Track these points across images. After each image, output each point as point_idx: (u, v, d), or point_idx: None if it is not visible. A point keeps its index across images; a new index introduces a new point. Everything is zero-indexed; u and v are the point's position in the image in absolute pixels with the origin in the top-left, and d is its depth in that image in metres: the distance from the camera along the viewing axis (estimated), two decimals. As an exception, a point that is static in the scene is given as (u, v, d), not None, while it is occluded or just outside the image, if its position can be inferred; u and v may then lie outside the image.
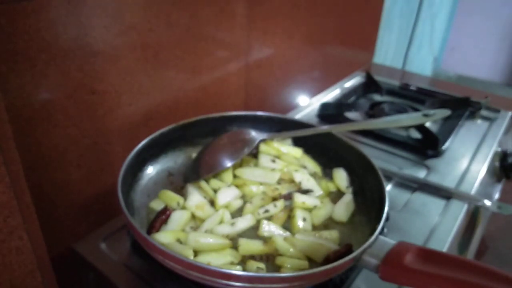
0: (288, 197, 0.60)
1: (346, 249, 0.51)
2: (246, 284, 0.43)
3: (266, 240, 0.54)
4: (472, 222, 0.75)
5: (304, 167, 0.67)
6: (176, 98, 0.69)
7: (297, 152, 0.67)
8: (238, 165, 0.65)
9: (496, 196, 0.96)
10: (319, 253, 0.52)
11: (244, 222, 0.56)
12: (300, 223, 0.56)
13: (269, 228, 0.55)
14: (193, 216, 0.57)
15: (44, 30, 0.47)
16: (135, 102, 0.62)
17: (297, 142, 0.69)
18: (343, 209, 0.60)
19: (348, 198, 0.61)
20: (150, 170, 0.63)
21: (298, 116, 0.95)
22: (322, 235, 0.55)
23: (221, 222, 0.56)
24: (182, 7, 0.63)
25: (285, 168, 0.65)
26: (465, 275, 0.41)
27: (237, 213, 0.59)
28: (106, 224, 0.61)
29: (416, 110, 0.95)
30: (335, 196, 0.63)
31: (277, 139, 0.68)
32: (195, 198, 0.58)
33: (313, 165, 0.67)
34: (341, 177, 0.65)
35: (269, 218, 0.58)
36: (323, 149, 0.69)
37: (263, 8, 0.80)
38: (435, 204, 0.68)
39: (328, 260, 0.50)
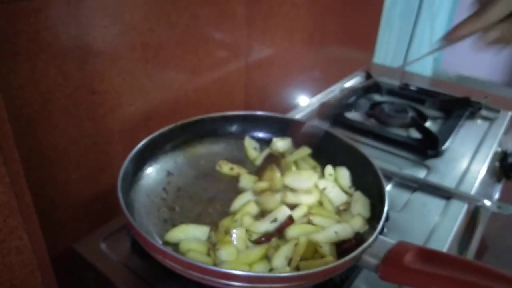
0: None
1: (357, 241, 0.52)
2: (246, 284, 0.43)
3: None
4: (472, 222, 0.75)
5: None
6: (176, 98, 0.69)
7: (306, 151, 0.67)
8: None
9: (496, 196, 0.96)
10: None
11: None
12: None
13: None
14: None
15: (44, 30, 0.47)
16: (135, 102, 0.62)
17: (297, 142, 0.69)
18: (360, 205, 0.58)
19: (357, 195, 0.60)
20: (150, 170, 0.63)
21: (298, 116, 0.95)
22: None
23: None
24: (182, 7, 0.63)
25: None
26: (465, 275, 0.41)
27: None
28: (106, 224, 0.61)
29: (416, 110, 0.95)
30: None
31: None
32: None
33: (313, 165, 0.67)
34: (343, 176, 0.64)
35: None
36: (323, 149, 0.69)
37: (263, 8, 0.80)
38: (435, 204, 0.68)
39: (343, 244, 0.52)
